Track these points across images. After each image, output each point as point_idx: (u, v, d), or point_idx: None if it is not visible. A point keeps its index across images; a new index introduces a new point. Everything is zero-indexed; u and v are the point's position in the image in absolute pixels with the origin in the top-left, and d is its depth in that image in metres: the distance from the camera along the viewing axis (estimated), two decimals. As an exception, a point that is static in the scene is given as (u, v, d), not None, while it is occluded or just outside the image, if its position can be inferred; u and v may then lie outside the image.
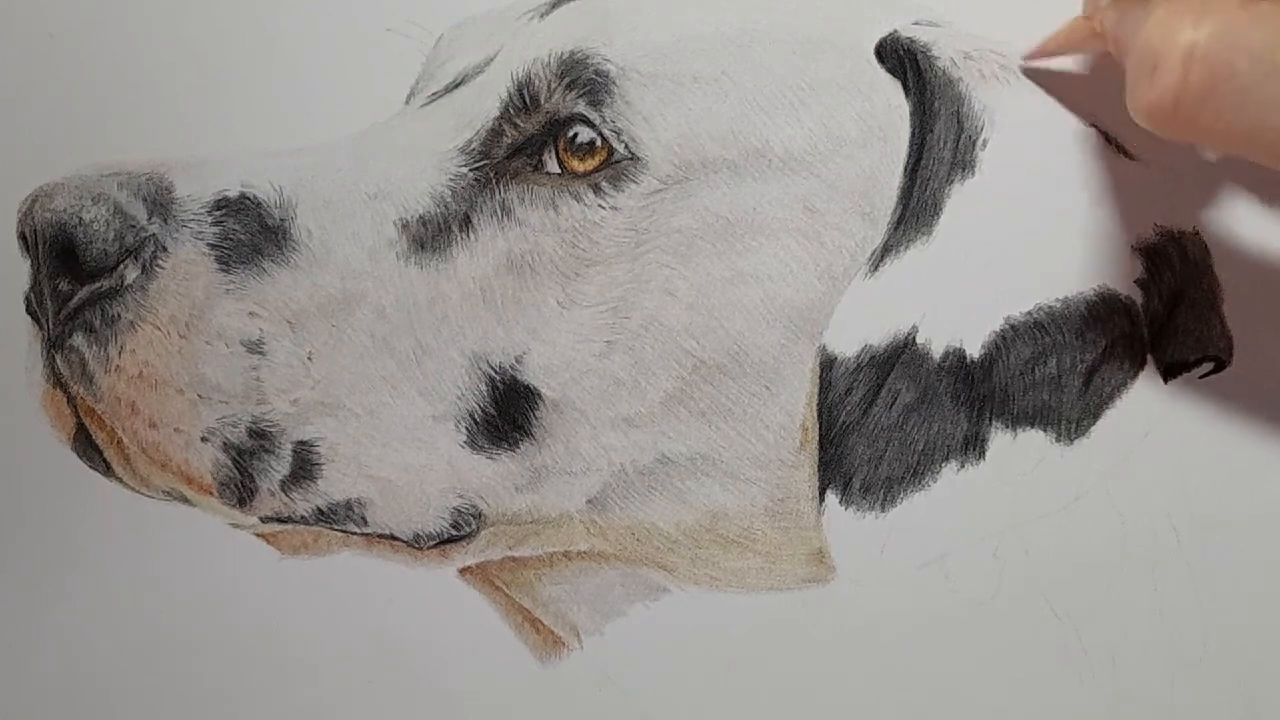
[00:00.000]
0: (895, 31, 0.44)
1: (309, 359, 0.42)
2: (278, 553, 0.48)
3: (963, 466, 0.41)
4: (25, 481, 0.51)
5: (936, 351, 0.41)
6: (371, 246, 0.43)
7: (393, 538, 0.44)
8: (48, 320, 0.43)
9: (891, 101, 0.43)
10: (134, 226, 0.42)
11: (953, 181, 0.42)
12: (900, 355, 0.41)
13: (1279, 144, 0.32)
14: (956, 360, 0.41)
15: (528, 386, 0.43)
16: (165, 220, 0.42)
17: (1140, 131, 0.33)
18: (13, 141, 0.53)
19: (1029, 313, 0.41)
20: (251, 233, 0.42)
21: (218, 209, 0.42)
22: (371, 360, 0.42)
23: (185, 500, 0.44)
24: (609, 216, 0.42)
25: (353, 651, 0.49)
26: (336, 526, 0.44)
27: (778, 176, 0.42)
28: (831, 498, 0.42)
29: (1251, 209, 0.42)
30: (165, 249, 0.42)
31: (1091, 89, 0.42)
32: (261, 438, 0.42)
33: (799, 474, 0.43)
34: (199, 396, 0.42)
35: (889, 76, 0.43)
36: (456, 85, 0.46)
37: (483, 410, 0.43)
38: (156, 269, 0.42)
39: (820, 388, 0.42)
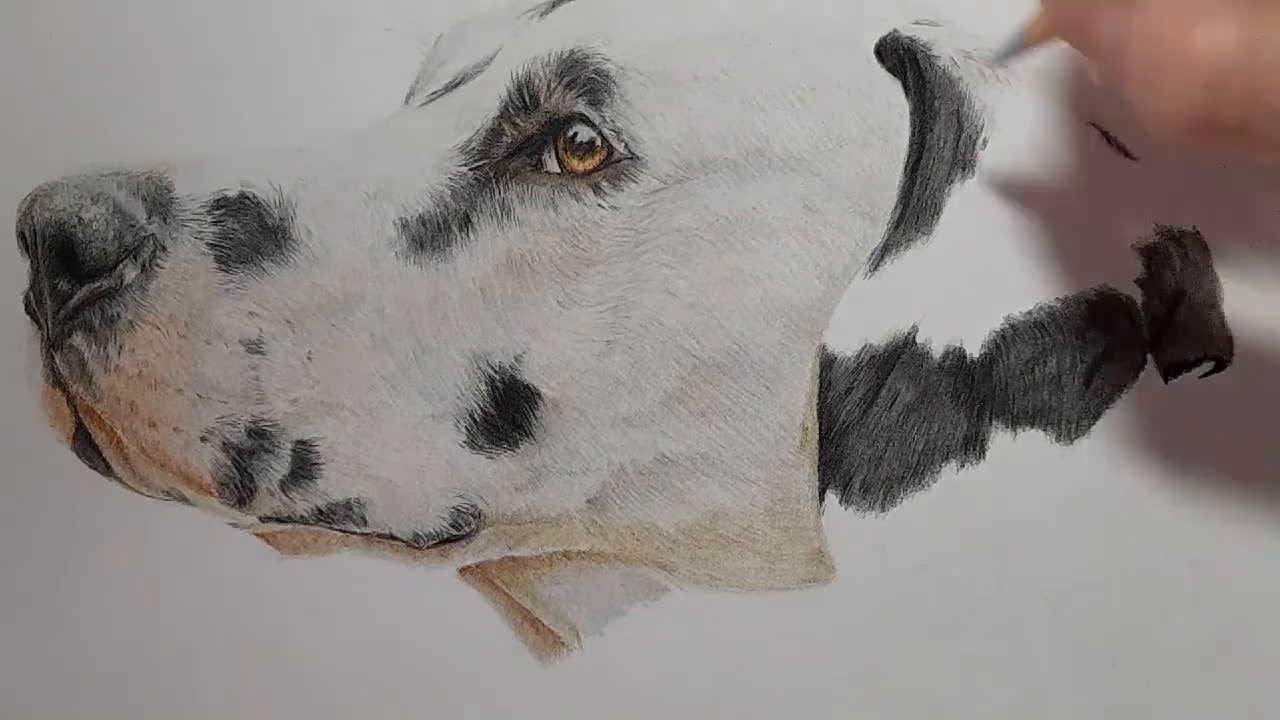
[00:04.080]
0: (895, 31, 0.44)
1: (308, 358, 0.42)
2: (278, 553, 0.48)
3: (963, 466, 0.41)
4: (25, 481, 0.51)
5: (936, 351, 0.41)
6: (371, 246, 0.43)
7: (392, 537, 0.44)
8: (47, 320, 0.43)
9: (891, 101, 0.43)
10: (133, 226, 0.42)
11: (953, 181, 0.42)
12: (900, 355, 0.41)
13: None
14: (956, 360, 0.41)
15: (527, 386, 0.42)
16: (165, 220, 0.42)
17: (1140, 131, 0.33)
18: (13, 141, 0.53)
19: (1029, 313, 0.41)
20: (251, 232, 0.42)
21: (217, 208, 0.42)
22: (371, 360, 0.42)
23: (185, 500, 0.44)
24: (609, 216, 0.42)
25: (353, 651, 0.49)
26: (336, 526, 0.44)
27: (778, 176, 0.42)
28: (831, 498, 0.42)
29: (1251, 209, 0.42)
30: (165, 248, 0.42)
31: (1090, 88, 0.42)
32: (261, 437, 0.42)
33: (799, 474, 0.43)
34: (198, 396, 0.42)
35: (889, 75, 0.43)
36: (456, 84, 0.46)
37: (482, 410, 0.43)
38: (156, 268, 0.42)
39: (820, 387, 0.42)
